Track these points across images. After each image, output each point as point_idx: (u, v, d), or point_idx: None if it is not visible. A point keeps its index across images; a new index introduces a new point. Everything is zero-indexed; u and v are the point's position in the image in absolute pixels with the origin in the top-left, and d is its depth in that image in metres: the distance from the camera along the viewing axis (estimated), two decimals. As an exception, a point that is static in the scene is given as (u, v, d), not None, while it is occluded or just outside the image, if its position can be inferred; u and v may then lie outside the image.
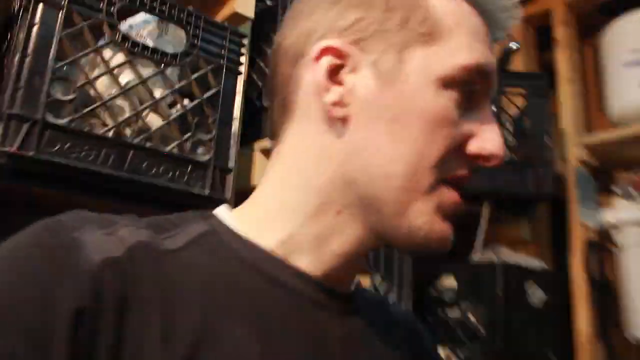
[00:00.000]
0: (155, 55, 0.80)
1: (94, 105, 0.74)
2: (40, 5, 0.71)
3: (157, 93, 0.81)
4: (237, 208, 0.47)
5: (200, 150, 0.84)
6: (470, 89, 0.42)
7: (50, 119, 0.69)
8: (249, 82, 1.04)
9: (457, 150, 0.42)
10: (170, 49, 0.83)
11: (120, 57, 0.78)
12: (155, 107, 0.80)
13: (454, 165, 0.42)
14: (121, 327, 0.34)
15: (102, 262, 0.35)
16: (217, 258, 0.41)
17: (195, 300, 0.37)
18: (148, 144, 0.77)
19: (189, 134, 0.82)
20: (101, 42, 0.76)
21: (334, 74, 0.42)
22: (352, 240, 0.43)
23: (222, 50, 0.87)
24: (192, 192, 0.80)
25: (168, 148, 0.79)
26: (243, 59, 0.91)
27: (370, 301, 0.52)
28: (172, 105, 0.85)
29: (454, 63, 0.41)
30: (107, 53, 0.78)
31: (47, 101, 0.69)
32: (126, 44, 0.77)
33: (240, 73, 0.90)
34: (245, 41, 0.92)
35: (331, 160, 0.43)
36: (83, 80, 0.74)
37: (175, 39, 0.86)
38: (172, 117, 0.81)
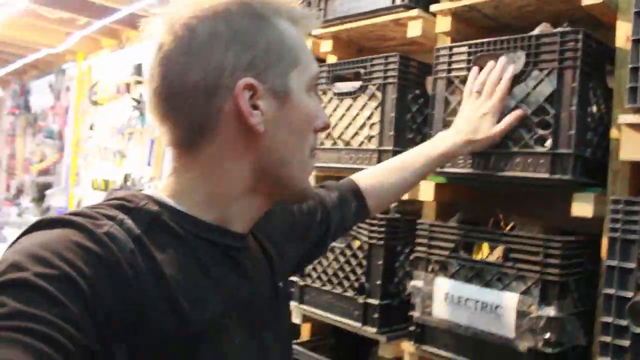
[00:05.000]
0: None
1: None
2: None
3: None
4: (160, 194, 0.60)
5: (546, 143, 1.04)
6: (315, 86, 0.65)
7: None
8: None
9: None
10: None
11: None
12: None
13: (314, 142, 0.66)
14: None
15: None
16: (174, 235, 0.57)
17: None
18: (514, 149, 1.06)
19: (532, 133, 1.04)
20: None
21: (251, 102, 0.58)
22: (262, 208, 0.66)
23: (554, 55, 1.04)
24: (539, 177, 1.02)
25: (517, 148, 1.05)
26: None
27: (258, 227, 0.70)
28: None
29: (309, 75, 0.63)
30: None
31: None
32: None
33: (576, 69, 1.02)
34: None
35: (251, 159, 0.60)
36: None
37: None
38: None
